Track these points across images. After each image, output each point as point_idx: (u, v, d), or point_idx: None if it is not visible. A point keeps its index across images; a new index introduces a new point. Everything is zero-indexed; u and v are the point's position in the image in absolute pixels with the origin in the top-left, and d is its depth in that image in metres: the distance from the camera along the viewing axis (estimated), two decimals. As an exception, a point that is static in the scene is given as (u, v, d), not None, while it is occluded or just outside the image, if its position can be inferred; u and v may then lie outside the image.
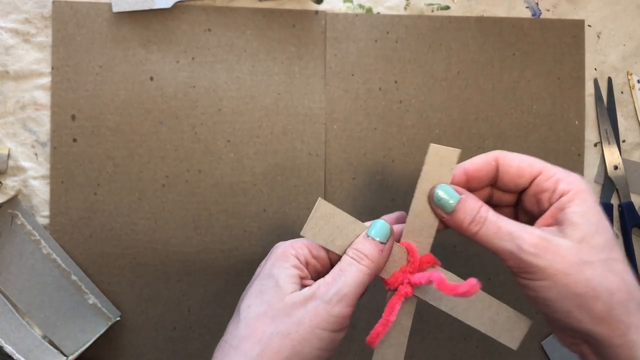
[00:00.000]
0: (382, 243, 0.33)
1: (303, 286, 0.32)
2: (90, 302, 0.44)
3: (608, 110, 0.48)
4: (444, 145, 0.33)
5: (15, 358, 0.41)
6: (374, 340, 0.33)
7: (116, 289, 0.45)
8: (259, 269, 0.35)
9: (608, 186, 0.48)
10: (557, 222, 0.31)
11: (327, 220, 0.33)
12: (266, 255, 0.35)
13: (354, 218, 0.34)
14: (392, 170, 0.47)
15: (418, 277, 0.33)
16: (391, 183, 0.47)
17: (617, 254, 0.30)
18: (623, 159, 0.48)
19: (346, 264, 0.32)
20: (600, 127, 0.48)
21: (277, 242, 0.35)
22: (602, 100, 0.48)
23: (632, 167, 0.48)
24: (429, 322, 0.47)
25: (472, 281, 0.31)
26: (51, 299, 0.44)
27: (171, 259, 0.45)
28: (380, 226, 0.33)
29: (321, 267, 0.34)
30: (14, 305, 0.43)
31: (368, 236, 0.33)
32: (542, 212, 0.33)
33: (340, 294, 0.31)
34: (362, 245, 0.33)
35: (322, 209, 0.33)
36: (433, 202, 0.33)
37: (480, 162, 0.34)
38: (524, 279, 0.31)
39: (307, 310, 0.30)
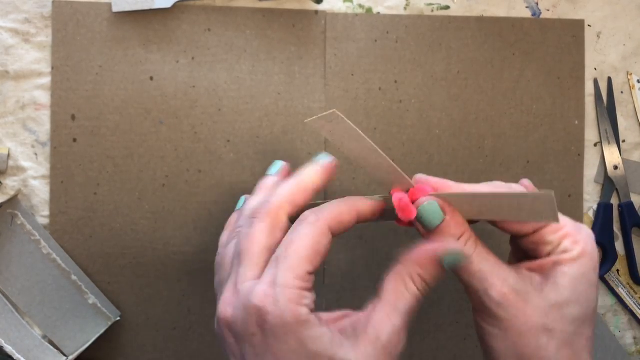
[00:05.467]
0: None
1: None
2: (90, 302, 0.44)
3: (608, 110, 0.48)
4: None
5: (15, 358, 0.42)
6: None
7: (116, 289, 0.45)
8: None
9: (608, 186, 0.48)
10: (543, 273, 0.29)
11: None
12: None
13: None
14: (392, 170, 0.47)
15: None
16: (391, 183, 0.47)
17: (588, 330, 0.28)
18: (623, 159, 0.48)
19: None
20: (600, 127, 0.48)
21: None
22: (602, 100, 0.48)
23: (632, 167, 0.48)
24: (429, 322, 0.47)
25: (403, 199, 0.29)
26: (51, 299, 0.44)
27: (171, 259, 0.45)
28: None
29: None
30: (14, 305, 0.43)
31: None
32: (535, 257, 0.30)
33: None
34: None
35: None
36: (416, 218, 0.30)
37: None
38: (479, 318, 0.30)
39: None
